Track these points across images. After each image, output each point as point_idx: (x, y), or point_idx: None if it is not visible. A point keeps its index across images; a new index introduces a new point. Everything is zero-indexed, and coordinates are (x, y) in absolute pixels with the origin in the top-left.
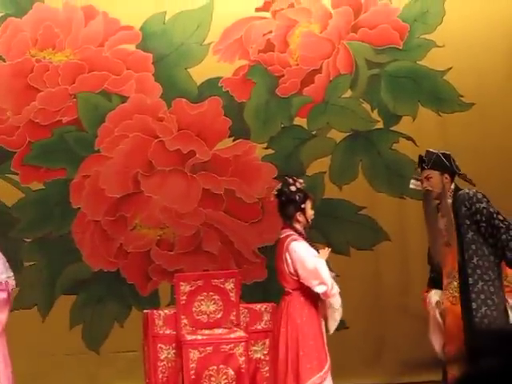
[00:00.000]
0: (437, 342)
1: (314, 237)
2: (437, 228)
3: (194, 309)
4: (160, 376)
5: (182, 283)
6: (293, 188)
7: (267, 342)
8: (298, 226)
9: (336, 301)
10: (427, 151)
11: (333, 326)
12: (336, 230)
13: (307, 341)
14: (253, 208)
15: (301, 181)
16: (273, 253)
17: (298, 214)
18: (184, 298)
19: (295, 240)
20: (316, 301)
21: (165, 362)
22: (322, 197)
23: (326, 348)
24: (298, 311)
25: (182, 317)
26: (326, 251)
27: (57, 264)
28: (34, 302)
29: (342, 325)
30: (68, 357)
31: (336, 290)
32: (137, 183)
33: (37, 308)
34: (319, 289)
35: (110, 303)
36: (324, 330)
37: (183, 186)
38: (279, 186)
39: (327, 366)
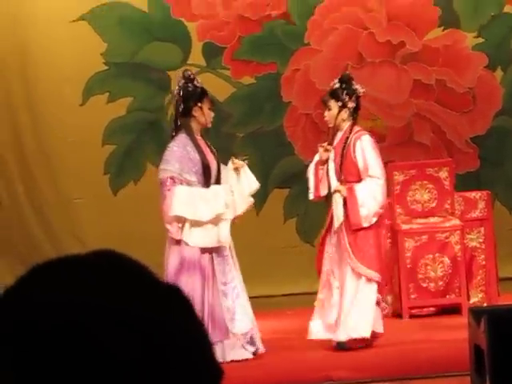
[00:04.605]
0: None
1: None
2: None
3: (408, 198)
4: None
5: (395, 173)
6: None
7: (482, 230)
8: None
9: None
10: None
11: None
12: None
13: None
14: (464, 97)
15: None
16: (485, 143)
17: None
18: (398, 187)
19: None
20: None
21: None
22: None
23: None
24: None
25: (397, 206)
26: None
27: (269, 158)
28: None
29: None
30: (283, 250)
31: None
32: None
33: None
34: None
35: None
36: None
37: (393, 77)
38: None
39: None
